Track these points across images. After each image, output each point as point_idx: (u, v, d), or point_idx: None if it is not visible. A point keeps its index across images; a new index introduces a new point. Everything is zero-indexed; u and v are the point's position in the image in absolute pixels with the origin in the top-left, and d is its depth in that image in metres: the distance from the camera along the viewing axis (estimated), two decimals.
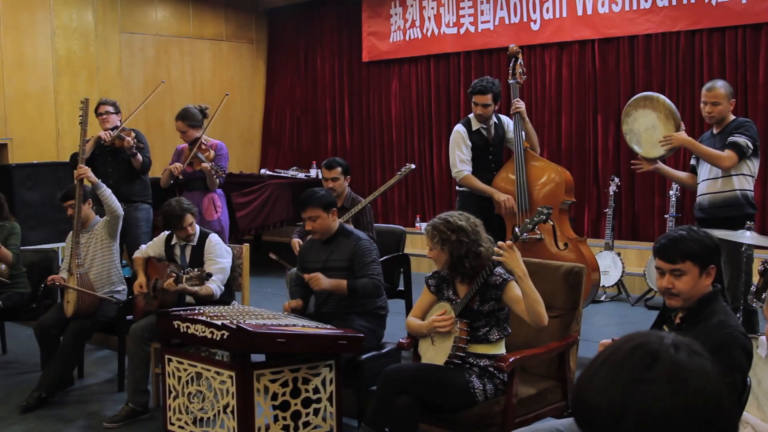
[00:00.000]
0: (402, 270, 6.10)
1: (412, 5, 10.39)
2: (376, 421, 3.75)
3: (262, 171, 10.76)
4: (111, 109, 7.01)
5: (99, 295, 5.44)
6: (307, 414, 4.11)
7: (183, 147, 6.97)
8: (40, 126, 9.74)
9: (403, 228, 6.38)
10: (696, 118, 8.05)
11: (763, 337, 4.06)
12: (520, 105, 5.94)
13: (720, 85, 5.31)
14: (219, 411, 4.09)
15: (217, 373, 4.07)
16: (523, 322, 3.85)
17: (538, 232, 5.62)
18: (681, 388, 1.29)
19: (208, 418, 4.20)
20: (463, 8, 9.84)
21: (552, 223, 5.39)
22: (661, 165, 5.56)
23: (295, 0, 11.65)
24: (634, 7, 8.43)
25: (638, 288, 7.86)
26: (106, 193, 5.54)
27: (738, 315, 4.82)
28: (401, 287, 6.08)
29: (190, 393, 4.27)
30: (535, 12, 9.20)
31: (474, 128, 6.03)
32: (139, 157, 6.81)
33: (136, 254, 5.50)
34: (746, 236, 4.88)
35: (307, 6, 11.70)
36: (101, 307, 5.46)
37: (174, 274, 4.89)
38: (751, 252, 5.00)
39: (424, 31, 10.28)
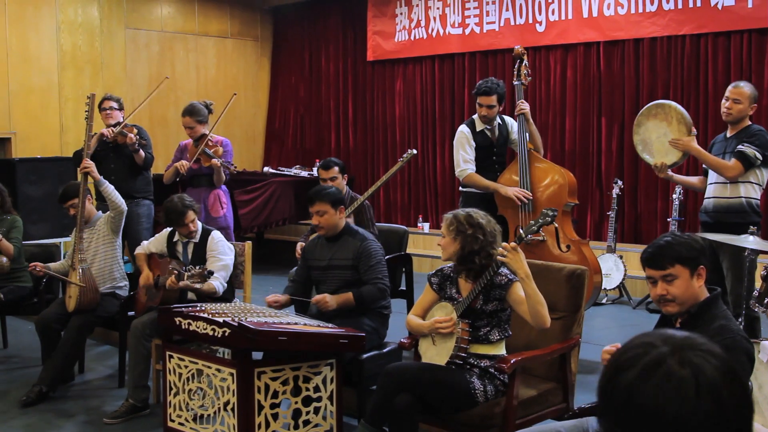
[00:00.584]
0: (404, 270, 6.10)
1: (417, 5, 10.39)
2: (376, 419, 3.75)
3: (265, 169, 10.76)
4: (115, 105, 7.02)
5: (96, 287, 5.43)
6: (308, 412, 4.11)
7: (186, 143, 6.97)
8: (43, 120, 9.75)
9: (405, 228, 6.38)
10: (701, 122, 8.05)
11: (765, 342, 4.06)
12: (524, 106, 5.93)
13: (744, 85, 5.31)
14: (219, 408, 4.09)
15: (218, 371, 4.07)
16: (525, 324, 3.84)
17: (541, 233, 5.61)
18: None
19: (209, 415, 4.20)
20: (469, 9, 9.84)
21: (555, 224, 5.38)
22: (672, 174, 5.54)
23: None
24: (640, 10, 8.43)
25: (640, 291, 7.85)
26: (109, 189, 5.54)
27: (740, 320, 4.80)
28: (403, 287, 6.08)
29: (190, 390, 4.27)
30: (540, 14, 9.20)
31: (478, 129, 6.02)
32: (142, 153, 6.81)
33: (138, 250, 5.50)
34: (749, 241, 4.87)
35: (312, 4, 11.70)
36: (103, 303, 5.47)
37: (176, 272, 4.89)
38: (754, 257, 4.99)
39: (429, 31, 10.28)
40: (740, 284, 5.06)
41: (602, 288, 7.22)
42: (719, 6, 7.89)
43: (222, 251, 5.20)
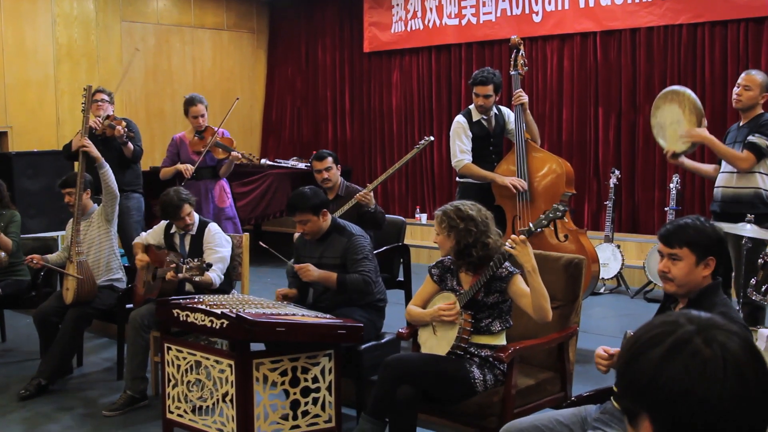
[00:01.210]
0: (402, 261, 6.10)
1: None
2: (377, 410, 3.75)
3: (262, 161, 10.71)
4: (106, 98, 7.00)
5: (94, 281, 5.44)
6: (306, 403, 4.11)
7: (181, 137, 6.97)
8: (40, 114, 9.73)
9: (403, 219, 6.38)
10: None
11: (763, 330, 4.07)
12: (523, 96, 5.92)
13: (756, 73, 5.30)
14: (218, 399, 4.09)
15: (217, 362, 4.07)
16: (524, 314, 3.85)
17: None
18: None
19: (207, 406, 4.20)
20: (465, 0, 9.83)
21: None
22: (684, 159, 5.52)
23: None
24: (636, 0, 8.41)
25: (638, 280, 7.87)
26: (108, 172, 5.54)
27: (737, 308, 4.81)
28: (401, 278, 6.08)
29: (189, 381, 4.27)
30: (537, 4, 9.18)
31: (474, 119, 6.02)
32: (131, 145, 6.79)
33: (137, 240, 5.53)
34: (747, 229, 4.88)
35: None
36: (100, 295, 5.47)
37: (174, 264, 4.89)
38: (751, 245, 4.99)
39: (426, 22, 10.26)
40: (738, 273, 5.06)
41: (600, 278, 7.23)
42: None
43: (219, 243, 5.20)
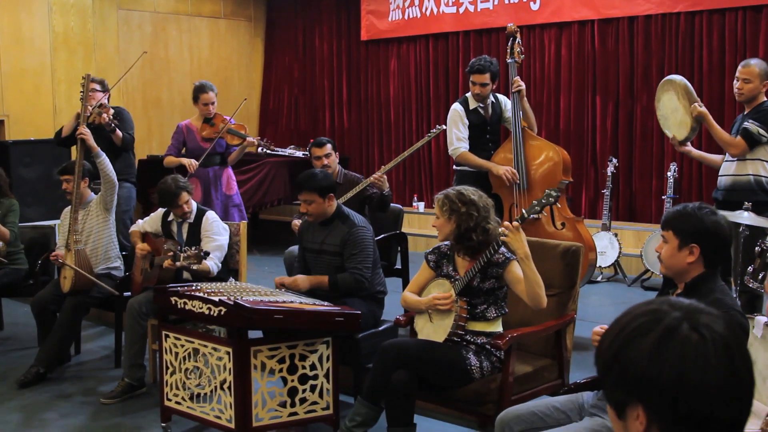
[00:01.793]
0: (399, 249, 6.12)
1: None
2: (373, 395, 3.77)
3: (260, 149, 10.71)
4: (98, 87, 6.97)
5: (93, 279, 5.43)
6: (304, 390, 4.12)
7: (187, 124, 6.97)
8: (37, 103, 9.70)
9: (401, 207, 6.38)
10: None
11: (759, 317, 4.07)
12: (521, 84, 5.92)
13: (755, 63, 5.25)
14: (216, 387, 4.10)
15: (215, 349, 4.08)
16: (521, 301, 3.85)
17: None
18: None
19: (205, 393, 4.21)
20: None
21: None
22: (690, 148, 5.53)
23: None
24: None
25: (635, 269, 7.88)
26: (105, 161, 5.54)
27: (735, 295, 4.82)
28: (398, 266, 6.10)
29: (187, 369, 4.27)
30: None
31: (471, 107, 6.02)
32: (119, 133, 6.76)
33: (133, 228, 5.53)
34: (744, 217, 4.88)
35: None
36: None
37: (172, 252, 4.89)
38: (748, 233, 4.99)
39: (423, 10, 10.23)
40: (736, 261, 5.07)
41: (597, 266, 7.24)
42: None
43: (217, 231, 5.20)
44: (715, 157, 5.66)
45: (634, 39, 8.60)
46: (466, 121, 5.98)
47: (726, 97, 7.83)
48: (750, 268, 4.79)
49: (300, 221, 5.58)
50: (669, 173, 7.61)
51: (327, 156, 5.84)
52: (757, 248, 4.74)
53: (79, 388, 5.21)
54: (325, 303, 4.22)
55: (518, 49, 6.05)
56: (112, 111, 6.65)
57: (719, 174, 5.41)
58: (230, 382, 3.98)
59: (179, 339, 4.30)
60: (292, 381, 4.09)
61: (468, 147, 5.96)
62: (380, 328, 4.66)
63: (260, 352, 4.00)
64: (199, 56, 11.41)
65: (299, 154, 10.04)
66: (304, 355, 4.10)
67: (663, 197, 7.72)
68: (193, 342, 4.23)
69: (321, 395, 4.16)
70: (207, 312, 3.96)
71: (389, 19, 10.64)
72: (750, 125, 5.11)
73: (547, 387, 4.05)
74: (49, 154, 8.76)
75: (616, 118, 8.78)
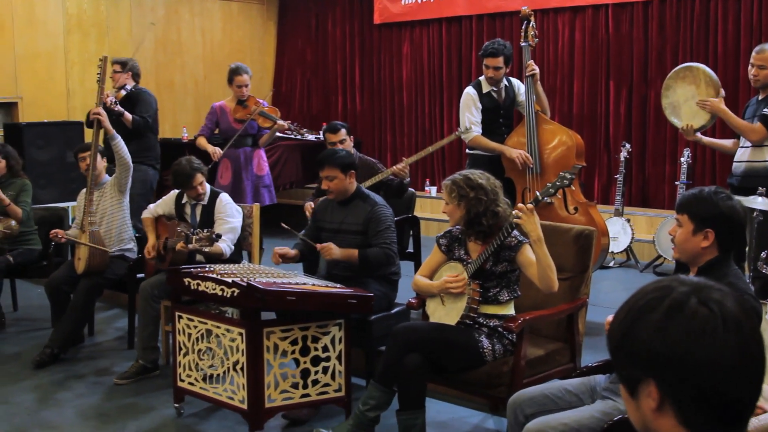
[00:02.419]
0: (411, 232, 6.11)
1: None
2: (385, 378, 3.78)
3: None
4: (118, 68, 6.99)
5: (107, 250, 5.46)
6: (316, 372, 4.13)
7: (221, 105, 7.02)
8: (50, 85, 9.72)
9: (413, 191, 6.37)
10: None
11: None
12: (535, 68, 5.89)
13: None
14: (229, 368, 4.12)
15: (227, 331, 4.10)
16: (533, 284, 3.85)
17: None
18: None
19: (218, 375, 4.23)
20: None
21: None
22: (701, 136, 5.51)
23: None
24: None
25: (647, 254, 7.86)
26: (120, 143, 5.55)
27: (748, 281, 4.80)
28: (411, 249, 6.10)
29: (200, 350, 4.29)
30: None
31: (485, 91, 6.00)
32: (128, 115, 6.77)
33: (145, 214, 5.49)
34: (758, 202, 4.86)
35: None
36: (112, 265, 5.49)
37: (184, 234, 4.90)
38: (762, 218, 4.97)
39: None
40: (750, 246, 5.05)
41: (609, 251, 7.22)
42: None
43: (230, 214, 5.21)
44: (726, 143, 5.64)
45: (648, 23, 8.55)
46: (479, 105, 5.97)
47: (741, 82, 7.78)
48: (764, 254, 4.77)
49: (312, 204, 5.58)
50: (682, 159, 7.57)
51: (342, 142, 5.82)
52: None
53: (93, 369, 5.25)
54: (338, 285, 4.23)
55: (532, 33, 6.02)
56: (109, 95, 6.60)
57: (734, 160, 5.39)
58: (243, 363, 4.00)
59: (192, 320, 4.32)
60: (305, 363, 4.10)
61: (481, 131, 5.95)
62: (393, 311, 4.66)
63: (273, 333, 4.02)
64: (211, 39, 11.40)
65: (312, 137, 10.04)
66: (316, 337, 4.12)
67: (676, 183, 7.69)
68: (206, 323, 4.25)
69: (333, 377, 4.17)
70: (220, 293, 3.98)
71: (402, 3, 10.60)
72: None
73: (559, 371, 4.05)
74: (62, 136, 8.78)
75: (630, 103, 8.74)
